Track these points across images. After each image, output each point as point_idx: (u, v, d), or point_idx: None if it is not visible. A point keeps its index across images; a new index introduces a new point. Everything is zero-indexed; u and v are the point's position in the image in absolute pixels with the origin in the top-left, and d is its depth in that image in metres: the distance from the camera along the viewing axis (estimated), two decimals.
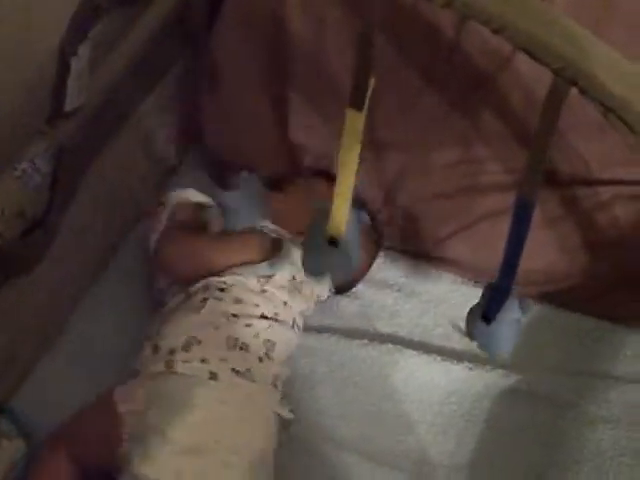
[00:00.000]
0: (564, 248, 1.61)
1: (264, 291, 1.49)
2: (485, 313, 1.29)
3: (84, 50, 1.13)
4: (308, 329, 1.61)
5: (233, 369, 1.36)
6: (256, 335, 1.43)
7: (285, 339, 1.49)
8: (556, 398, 1.53)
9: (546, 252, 1.61)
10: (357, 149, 1.22)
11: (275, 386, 1.42)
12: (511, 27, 0.90)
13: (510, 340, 1.31)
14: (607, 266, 1.60)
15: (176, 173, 1.83)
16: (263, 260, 1.51)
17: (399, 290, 1.70)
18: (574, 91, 0.95)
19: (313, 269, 1.39)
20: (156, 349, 1.39)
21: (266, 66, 1.62)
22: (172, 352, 1.36)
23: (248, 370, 1.38)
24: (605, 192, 1.56)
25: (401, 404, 1.55)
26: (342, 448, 1.47)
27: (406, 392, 1.57)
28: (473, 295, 1.35)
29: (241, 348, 1.40)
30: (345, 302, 1.69)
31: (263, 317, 1.46)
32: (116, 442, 1.29)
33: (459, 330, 1.55)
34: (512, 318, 1.29)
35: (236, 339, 1.40)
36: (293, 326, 1.52)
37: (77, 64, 1.13)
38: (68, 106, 1.19)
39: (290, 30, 1.55)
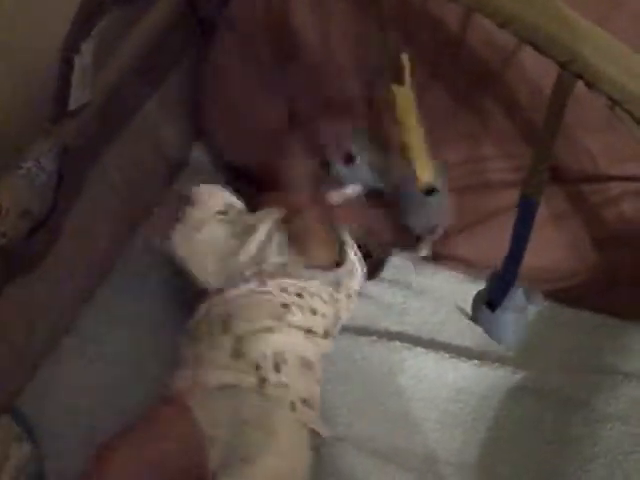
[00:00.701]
0: (572, 245, 1.60)
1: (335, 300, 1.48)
2: (489, 299, 1.29)
3: (87, 48, 1.13)
4: None
5: (303, 400, 1.34)
6: (316, 355, 1.42)
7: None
8: (565, 395, 1.52)
9: (554, 249, 1.61)
10: (414, 113, 1.23)
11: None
12: (517, 20, 0.90)
13: (514, 329, 1.32)
14: (615, 262, 1.60)
15: (183, 171, 1.82)
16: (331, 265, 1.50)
17: (408, 288, 1.69)
18: (582, 87, 0.95)
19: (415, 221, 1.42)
20: (237, 354, 1.33)
21: (270, 61, 1.62)
22: (260, 368, 1.32)
23: (311, 397, 1.37)
24: (613, 188, 1.55)
25: (409, 402, 1.55)
26: (349, 446, 1.47)
27: (414, 390, 1.56)
28: None
29: (309, 368, 1.38)
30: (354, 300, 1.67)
31: (326, 335, 1.45)
32: (198, 469, 1.23)
33: (465, 314, 1.54)
34: (517, 306, 1.29)
35: (309, 362, 1.39)
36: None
37: (80, 62, 1.13)
38: (72, 104, 1.19)
39: (294, 25, 1.55)
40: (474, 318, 1.36)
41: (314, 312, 1.42)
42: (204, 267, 1.45)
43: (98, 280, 1.61)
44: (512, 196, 1.16)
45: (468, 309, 1.34)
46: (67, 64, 1.13)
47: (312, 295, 1.43)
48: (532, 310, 1.32)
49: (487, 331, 1.35)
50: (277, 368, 1.32)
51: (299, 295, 1.42)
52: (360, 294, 1.67)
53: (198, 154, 1.86)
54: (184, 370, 1.35)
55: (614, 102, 0.90)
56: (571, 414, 1.49)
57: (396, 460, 1.47)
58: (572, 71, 0.90)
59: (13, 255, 1.21)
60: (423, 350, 1.58)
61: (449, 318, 1.63)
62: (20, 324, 1.37)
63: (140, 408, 1.34)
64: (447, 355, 1.57)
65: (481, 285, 1.63)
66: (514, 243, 1.17)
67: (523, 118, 1.49)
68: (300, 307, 1.40)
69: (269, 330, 1.36)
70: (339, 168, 1.59)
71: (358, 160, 1.59)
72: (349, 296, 1.51)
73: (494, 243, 1.23)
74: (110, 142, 1.46)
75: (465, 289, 1.66)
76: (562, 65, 0.91)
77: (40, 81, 1.14)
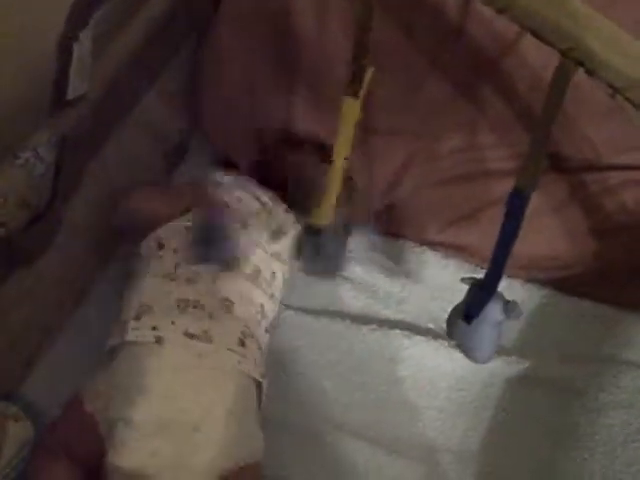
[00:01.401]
0: (572, 233, 1.60)
1: None
2: (467, 311, 1.29)
3: (86, 36, 1.12)
4: (316, 313, 1.61)
5: (185, 332, 1.30)
6: (210, 293, 1.39)
7: (244, 291, 1.44)
8: (566, 384, 1.53)
9: (554, 237, 1.61)
10: (350, 140, 1.23)
11: (243, 345, 1.35)
12: (516, 6, 0.89)
13: (489, 342, 1.31)
14: (615, 251, 1.60)
15: (183, 161, 1.82)
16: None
17: (406, 277, 1.69)
18: (583, 76, 0.95)
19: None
20: (117, 323, 1.35)
21: (267, 54, 1.61)
22: (125, 322, 1.32)
23: (205, 332, 1.32)
24: (613, 177, 1.55)
25: (410, 391, 1.55)
26: (350, 435, 1.47)
27: (415, 379, 1.57)
28: None
29: (195, 307, 1.35)
30: (352, 289, 1.68)
31: None
32: (96, 443, 1.23)
33: (440, 329, 1.55)
34: (494, 319, 1.28)
35: (187, 300, 1.36)
36: (257, 278, 1.48)
37: (79, 50, 1.12)
38: (70, 94, 1.18)
39: (292, 15, 1.54)
40: (449, 333, 1.36)
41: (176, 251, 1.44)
42: None
43: (97, 270, 1.61)
44: (510, 184, 1.16)
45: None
46: (66, 53, 1.12)
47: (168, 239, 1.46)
48: (510, 323, 1.32)
49: (461, 345, 1.35)
50: (138, 317, 1.33)
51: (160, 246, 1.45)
52: (359, 283, 1.67)
53: (196, 145, 1.85)
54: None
55: (615, 90, 0.89)
56: (572, 403, 1.50)
57: (397, 448, 1.47)
58: (573, 58, 0.90)
59: (13, 246, 1.20)
60: (423, 339, 1.58)
61: (447, 306, 1.63)
62: (18, 315, 1.37)
63: None
64: (446, 344, 1.58)
65: (479, 273, 1.63)
66: (500, 241, 1.16)
67: (522, 106, 1.49)
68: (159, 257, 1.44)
69: None
70: None
71: None
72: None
73: (492, 231, 1.22)
74: (108, 133, 1.45)
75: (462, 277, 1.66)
76: (563, 52, 0.90)
77: (39, 71, 1.14)
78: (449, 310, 1.55)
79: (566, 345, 1.60)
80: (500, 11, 0.89)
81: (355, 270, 1.70)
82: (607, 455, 1.40)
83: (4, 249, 1.18)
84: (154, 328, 1.30)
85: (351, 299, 1.67)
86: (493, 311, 1.28)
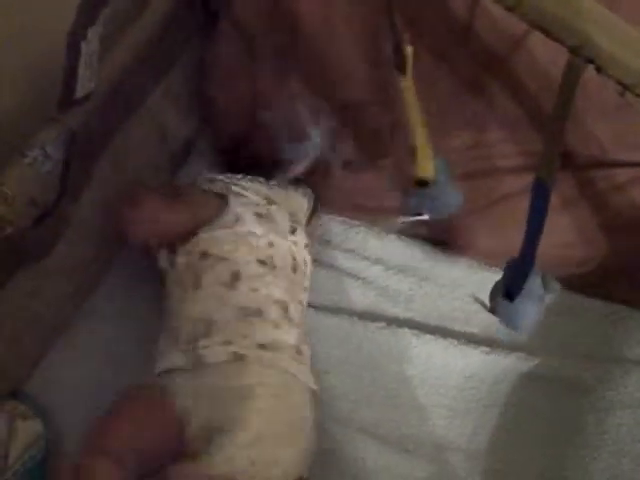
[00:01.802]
0: (581, 231, 1.60)
1: (245, 235, 1.46)
2: (507, 289, 1.29)
3: (94, 34, 1.12)
4: (324, 310, 1.61)
5: (258, 344, 1.34)
6: (267, 297, 1.40)
7: (290, 290, 1.45)
8: (574, 383, 1.53)
9: (563, 234, 1.61)
10: (415, 104, 1.27)
11: (300, 353, 1.39)
12: (525, 4, 0.89)
13: (532, 318, 1.31)
14: (625, 249, 1.59)
15: (188, 161, 1.81)
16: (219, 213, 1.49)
17: (414, 275, 1.69)
18: (591, 73, 0.94)
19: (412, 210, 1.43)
20: (174, 339, 1.36)
21: (272, 49, 1.61)
22: (194, 340, 1.34)
23: (274, 340, 1.36)
24: (622, 174, 1.54)
25: (418, 389, 1.55)
26: (359, 433, 1.47)
27: (423, 377, 1.56)
28: (489, 279, 1.35)
29: (256, 316, 1.37)
30: (361, 286, 1.67)
31: (261, 263, 1.44)
32: (175, 442, 1.27)
33: (483, 305, 1.54)
34: (535, 295, 1.28)
35: (247, 307, 1.38)
36: (296, 270, 1.49)
37: (87, 48, 1.12)
38: (79, 92, 1.18)
39: (298, 13, 1.54)
40: (492, 310, 1.35)
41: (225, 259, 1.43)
42: None
43: (104, 270, 1.61)
44: (518, 181, 1.16)
45: (476, 295, 1.33)
46: (74, 51, 1.12)
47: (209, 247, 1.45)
48: (548, 299, 1.31)
49: (505, 322, 1.34)
50: (207, 334, 1.34)
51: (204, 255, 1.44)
52: (367, 280, 1.67)
53: (202, 145, 1.84)
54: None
55: (625, 87, 0.89)
56: (580, 401, 1.50)
57: (406, 447, 1.47)
58: (582, 56, 0.89)
59: (20, 244, 1.20)
60: (431, 337, 1.58)
61: (456, 305, 1.63)
62: (25, 313, 1.37)
63: None
64: (456, 342, 1.57)
65: (488, 271, 1.63)
66: (530, 227, 1.16)
67: (531, 103, 1.48)
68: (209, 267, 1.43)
69: None
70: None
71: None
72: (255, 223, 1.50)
73: (501, 228, 1.22)
74: (115, 132, 1.45)
75: (471, 275, 1.66)
76: (572, 50, 0.90)
77: (47, 68, 1.14)
78: (459, 307, 1.57)
79: (575, 343, 1.60)
80: (509, 9, 0.88)
81: (363, 267, 1.70)
82: (615, 454, 1.40)
83: (11, 247, 1.18)
84: (227, 343, 1.33)
85: (359, 296, 1.66)
86: (534, 285, 1.28)
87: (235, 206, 1.49)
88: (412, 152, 1.37)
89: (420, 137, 1.33)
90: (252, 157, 1.68)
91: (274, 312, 1.39)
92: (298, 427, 1.31)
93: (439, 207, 1.45)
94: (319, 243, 1.69)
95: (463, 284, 1.66)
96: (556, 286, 1.30)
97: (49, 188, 1.22)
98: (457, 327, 1.61)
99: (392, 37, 1.23)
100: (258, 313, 1.37)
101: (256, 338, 1.34)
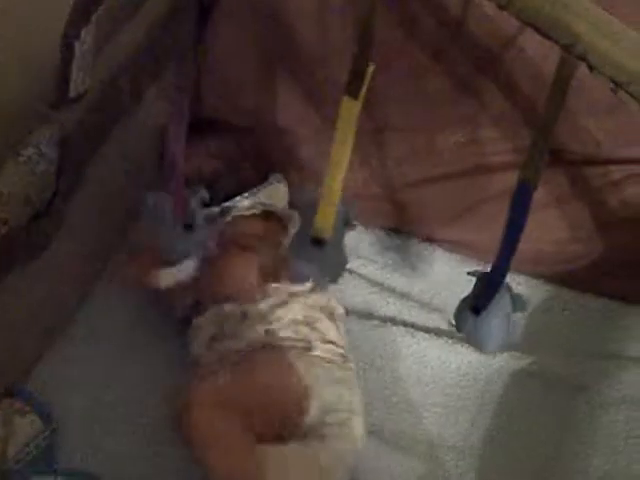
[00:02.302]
0: (575, 228, 1.60)
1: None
2: (475, 304, 1.29)
3: (87, 34, 1.12)
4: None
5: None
6: None
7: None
8: (569, 380, 1.53)
9: (557, 232, 1.61)
10: (350, 143, 1.21)
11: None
12: (517, 2, 0.89)
13: (498, 335, 1.31)
14: (618, 246, 1.60)
15: None
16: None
17: (409, 272, 1.69)
18: (585, 70, 0.94)
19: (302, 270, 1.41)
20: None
21: (266, 53, 1.61)
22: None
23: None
24: (616, 171, 1.55)
25: (413, 387, 1.55)
26: None
27: (418, 375, 1.57)
28: None
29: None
30: (356, 285, 1.68)
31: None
32: (300, 412, 1.30)
33: (449, 323, 1.56)
34: (502, 312, 1.28)
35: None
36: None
37: (81, 48, 1.12)
38: (73, 92, 1.18)
39: (291, 14, 1.54)
40: (457, 326, 1.36)
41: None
42: None
43: (99, 269, 1.61)
44: (511, 178, 1.16)
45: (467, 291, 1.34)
46: (68, 50, 1.12)
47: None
48: (516, 318, 1.32)
49: (470, 338, 1.35)
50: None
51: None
52: (362, 278, 1.68)
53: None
54: None
55: (617, 84, 0.89)
56: (575, 398, 1.50)
57: (401, 444, 1.47)
58: (574, 54, 0.90)
59: (15, 243, 1.20)
60: (426, 335, 1.59)
61: (450, 302, 1.63)
62: (21, 313, 1.36)
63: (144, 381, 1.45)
64: (451, 340, 1.58)
65: (482, 268, 1.63)
66: (508, 233, 1.16)
67: (524, 100, 1.48)
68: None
69: None
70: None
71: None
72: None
73: (494, 225, 1.22)
74: (109, 131, 1.44)
75: (465, 272, 1.65)
76: (564, 48, 0.90)
77: (41, 68, 1.14)
78: (453, 305, 1.56)
79: (570, 340, 1.60)
80: (502, 7, 0.89)
81: (358, 265, 1.70)
82: (610, 450, 1.40)
83: (6, 246, 1.18)
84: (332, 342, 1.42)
85: (355, 295, 1.67)
86: (501, 302, 1.28)
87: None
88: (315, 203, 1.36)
89: (333, 181, 1.31)
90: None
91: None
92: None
93: (330, 269, 1.47)
94: None
95: (456, 281, 1.65)
96: (525, 305, 1.31)
97: (44, 187, 1.22)
98: (452, 325, 1.61)
99: (357, 56, 1.21)
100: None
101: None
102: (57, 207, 1.27)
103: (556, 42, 0.89)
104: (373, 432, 1.47)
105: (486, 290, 1.28)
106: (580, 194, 1.58)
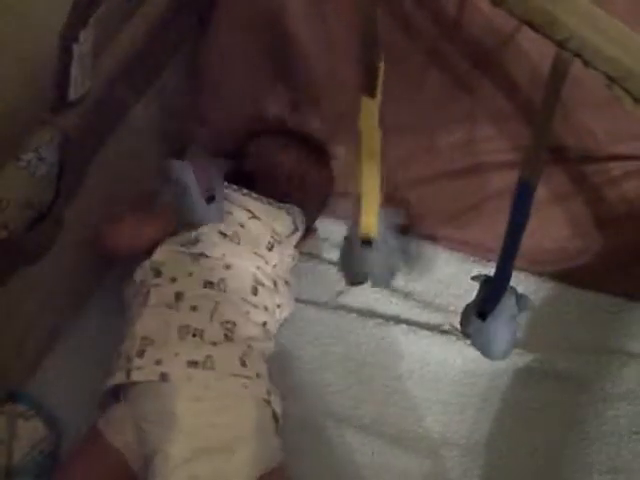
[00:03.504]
0: (575, 225, 1.60)
1: (197, 257, 1.46)
2: (480, 308, 1.29)
3: (86, 36, 1.12)
4: (321, 306, 1.63)
5: (189, 361, 1.31)
6: (209, 316, 1.39)
7: (242, 312, 1.44)
8: (572, 376, 1.53)
9: (558, 229, 1.61)
10: (378, 140, 1.21)
11: (244, 365, 1.36)
12: None
13: (505, 338, 1.31)
14: (620, 242, 1.59)
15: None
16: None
17: (410, 271, 1.69)
18: (582, 67, 0.94)
19: (353, 272, 1.43)
20: (118, 356, 1.36)
21: (265, 55, 1.61)
22: (129, 359, 1.33)
23: (208, 357, 1.33)
24: (615, 168, 1.55)
25: (416, 385, 1.55)
26: (356, 429, 1.48)
27: (421, 373, 1.57)
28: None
29: (194, 335, 1.35)
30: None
31: (208, 285, 1.43)
32: (127, 477, 1.28)
33: (455, 328, 1.55)
34: (508, 314, 1.28)
35: (187, 326, 1.36)
36: (257, 292, 1.47)
37: (79, 50, 1.12)
38: (72, 94, 1.18)
39: (289, 16, 1.54)
40: (463, 332, 1.36)
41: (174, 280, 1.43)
42: None
43: (102, 272, 1.62)
44: (511, 176, 1.16)
45: (472, 292, 1.34)
46: (66, 53, 1.12)
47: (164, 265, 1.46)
48: (521, 318, 1.32)
49: (477, 343, 1.35)
50: (140, 354, 1.34)
51: (157, 273, 1.45)
52: None
53: (195, 147, 1.84)
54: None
55: (612, 80, 0.89)
56: (578, 394, 1.50)
57: (403, 443, 1.47)
58: (569, 49, 0.90)
59: (15, 247, 1.20)
60: (428, 333, 1.59)
61: (453, 300, 1.63)
62: (22, 317, 1.37)
63: None
64: (454, 338, 1.58)
65: (483, 266, 1.63)
66: (509, 233, 1.16)
67: (522, 98, 1.49)
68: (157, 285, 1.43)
69: None
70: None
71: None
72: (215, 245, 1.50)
73: (494, 223, 1.23)
74: (109, 134, 1.45)
75: (468, 271, 1.66)
76: (559, 44, 0.90)
77: (40, 71, 1.14)
78: (455, 303, 1.56)
79: (572, 337, 1.60)
80: (495, 3, 0.89)
81: None
82: (614, 446, 1.40)
83: (7, 250, 1.19)
84: (158, 362, 1.31)
85: (358, 294, 1.66)
86: (507, 305, 1.28)
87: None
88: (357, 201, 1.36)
89: (370, 180, 1.32)
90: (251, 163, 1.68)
91: (216, 331, 1.38)
92: (242, 437, 1.29)
93: (382, 272, 1.46)
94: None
95: (458, 280, 1.66)
96: (531, 303, 1.31)
97: (44, 190, 1.22)
98: (454, 323, 1.61)
99: (365, 55, 1.20)
100: (198, 332, 1.36)
101: (189, 356, 1.32)
102: (58, 210, 1.27)
103: (550, 38, 0.90)
104: (375, 430, 1.47)
105: (491, 294, 1.28)
106: (580, 191, 1.58)
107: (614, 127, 1.49)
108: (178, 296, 1.40)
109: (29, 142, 1.18)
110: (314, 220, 1.71)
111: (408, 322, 1.62)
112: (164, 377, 1.29)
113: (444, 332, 1.59)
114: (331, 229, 1.74)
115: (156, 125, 1.65)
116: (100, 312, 1.57)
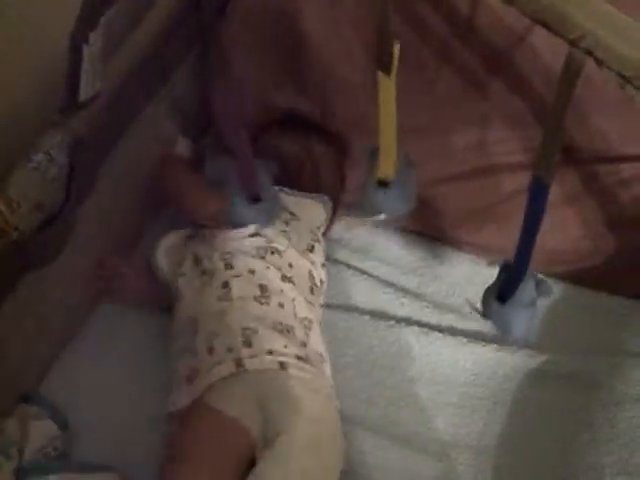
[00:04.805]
0: (587, 226, 1.60)
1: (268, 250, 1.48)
2: (500, 292, 1.29)
3: (96, 37, 1.12)
4: (333, 309, 1.62)
5: (297, 355, 1.35)
6: (294, 313, 1.42)
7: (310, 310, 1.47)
8: (583, 378, 1.52)
9: (569, 230, 1.61)
10: (393, 104, 1.24)
11: (323, 362, 1.41)
12: None
13: (525, 322, 1.31)
14: (631, 243, 1.59)
15: None
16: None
17: (422, 274, 1.70)
18: (594, 66, 0.94)
19: (370, 210, 1.43)
20: (210, 350, 1.35)
21: (276, 52, 1.61)
22: (230, 350, 1.33)
23: (305, 354, 1.37)
24: (627, 169, 1.54)
25: (428, 386, 1.55)
26: (369, 431, 1.48)
27: (433, 374, 1.57)
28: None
29: (288, 331, 1.38)
30: (371, 286, 1.68)
31: (286, 279, 1.45)
32: (249, 450, 1.28)
33: (475, 309, 1.54)
34: (528, 299, 1.28)
35: (280, 323, 1.38)
36: (313, 291, 1.50)
37: (89, 52, 1.12)
38: (82, 96, 1.18)
39: (301, 14, 1.54)
40: (484, 314, 1.36)
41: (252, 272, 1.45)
42: None
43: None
44: (524, 178, 1.16)
45: (481, 293, 1.34)
46: (76, 54, 1.12)
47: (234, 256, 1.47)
48: (541, 302, 1.31)
49: (497, 326, 1.34)
50: (248, 343, 1.34)
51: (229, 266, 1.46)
52: (376, 279, 1.67)
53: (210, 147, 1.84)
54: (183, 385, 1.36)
55: (625, 79, 0.88)
56: (589, 396, 1.49)
57: (416, 445, 1.47)
58: (581, 48, 0.89)
59: (27, 248, 1.20)
60: (440, 335, 1.59)
61: (464, 302, 1.62)
62: (34, 317, 1.37)
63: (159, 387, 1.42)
64: (465, 340, 1.58)
65: (495, 268, 1.62)
66: (526, 226, 1.16)
67: (535, 99, 1.48)
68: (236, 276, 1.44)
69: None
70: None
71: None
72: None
73: (507, 225, 1.23)
74: (120, 135, 1.45)
75: (480, 273, 1.66)
76: (571, 42, 0.90)
77: (50, 72, 1.14)
78: (464, 304, 1.56)
79: (583, 338, 1.60)
80: (507, 1, 0.88)
81: (371, 266, 1.71)
82: (626, 447, 1.39)
83: (18, 252, 1.19)
84: (270, 352, 1.33)
85: (370, 296, 1.67)
86: (526, 290, 1.27)
87: None
88: (376, 152, 1.38)
89: (388, 138, 1.33)
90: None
91: (300, 330, 1.41)
92: (334, 438, 1.34)
93: (395, 207, 1.46)
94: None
95: (470, 282, 1.66)
96: (550, 289, 1.31)
97: (55, 192, 1.22)
98: (466, 325, 1.61)
99: (381, 35, 1.21)
100: (290, 329, 1.39)
101: (296, 350, 1.35)
102: (69, 212, 1.27)
103: (563, 37, 0.89)
104: (387, 432, 1.47)
105: (510, 279, 1.28)
106: (591, 192, 1.57)
107: (626, 128, 1.49)
108: (263, 289, 1.42)
109: (40, 143, 1.17)
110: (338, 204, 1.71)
111: (419, 324, 1.62)
112: (282, 366, 1.32)
113: (455, 334, 1.59)
114: (343, 230, 1.75)
115: (166, 127, 1.65)
116: (111, 314, 1.57)
